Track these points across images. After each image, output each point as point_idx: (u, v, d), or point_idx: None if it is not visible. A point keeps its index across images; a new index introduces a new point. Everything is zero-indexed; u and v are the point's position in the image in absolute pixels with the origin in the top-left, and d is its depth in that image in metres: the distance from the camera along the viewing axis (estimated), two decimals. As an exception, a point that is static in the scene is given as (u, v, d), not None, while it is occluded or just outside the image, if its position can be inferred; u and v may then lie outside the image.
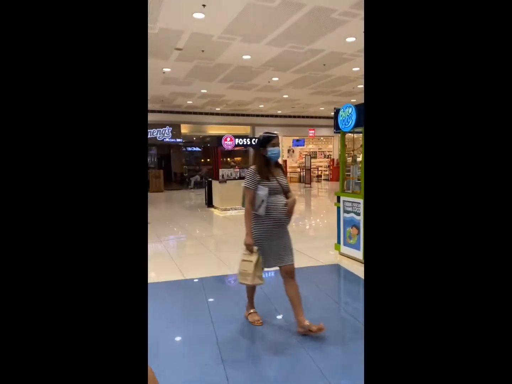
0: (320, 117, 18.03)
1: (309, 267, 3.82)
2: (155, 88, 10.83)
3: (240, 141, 8.39)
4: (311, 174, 16.34)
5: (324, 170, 19.64)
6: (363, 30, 5.80)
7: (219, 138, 8.21)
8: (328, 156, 20.09)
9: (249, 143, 8.51)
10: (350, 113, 3.77)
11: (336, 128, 4.06)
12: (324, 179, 19.16)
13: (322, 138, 19.67)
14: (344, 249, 4.12)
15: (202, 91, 11.33)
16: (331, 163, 18.86)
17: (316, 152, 19.37)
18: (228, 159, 19.72)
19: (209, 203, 9.02)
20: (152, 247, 5.05)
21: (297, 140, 18.22)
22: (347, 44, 7.01)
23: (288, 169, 17.53)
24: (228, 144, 8.19)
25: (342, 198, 4.11)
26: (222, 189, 8.24)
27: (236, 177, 8.35)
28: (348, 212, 4.02)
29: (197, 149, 20.12)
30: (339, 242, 4.22)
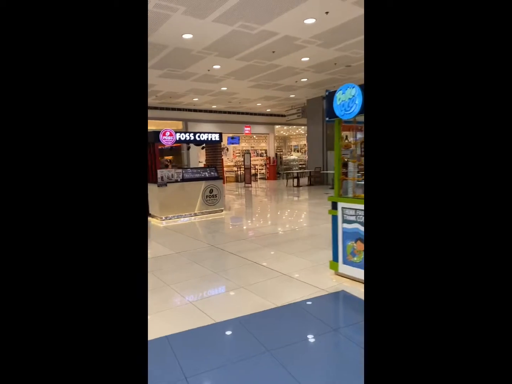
0: (256, 114, 17.37)
1: (309, 300, 2.88)
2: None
3: (182, 136, 7.10)
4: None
5: (260, 169, 19.10)
6: (326, 10, 5.06)
7: (156, 133, 6.81)
8: (261, 154, 19.61)
9: (192, 138, 7.27)
10: (353, 96, 2.92)
11: (330, 115, 3.18)
12: (260, 178, 18.58)
13: (254, 136, 19.06)
14: (344, 268, 3.28)
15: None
16: (268, 161, 18.36)
17: (249, 150, 18.64)
18: (159, 158, 17.76)
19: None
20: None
21: (232, 138, 17.27)
22: (305, 27, 6.26)
23: (224, 168, 16.52)
24: (167, 139, 6.85)
25: (340, 205, 3.26)
26: (161, 194, 6.87)
27: (179, 179, 7.05)
28: (349, 222, 3.19)
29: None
30: (336, 259, 3.37)
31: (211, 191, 7.49)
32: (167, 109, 14.55)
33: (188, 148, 8.96)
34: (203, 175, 7.50)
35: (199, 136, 7.32)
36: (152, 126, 14.80)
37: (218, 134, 7.64)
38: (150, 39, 6.53)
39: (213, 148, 8.05)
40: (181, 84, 10.53)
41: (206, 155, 8.78)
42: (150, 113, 14.19)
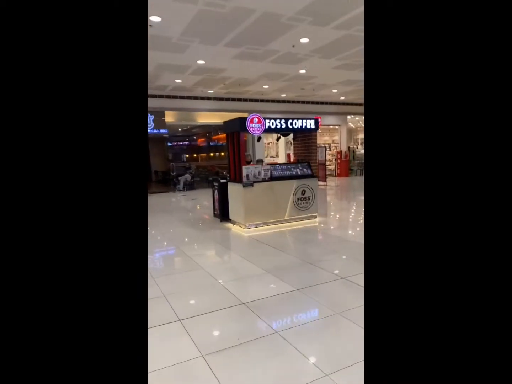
0: (327, 103, 15.56)
1: None
2: (134, 57, 7.87)
3: (272, 124, 5.66)
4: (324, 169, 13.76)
5: (328, 165, 17.29)
6: None
7: (241, 121, 5.44)
8: (325, 148, 17.75)
9: (283, 126, 5.79)
10: None
11: None
12: (328, 174, 16.77)
13: (319, 130, 17.26)
14: None
15: (199, 62, 8.48)
16: (339, 156, 16.46)
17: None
18: (222, 153, 16.44)
19: (223, 215, 6.26)
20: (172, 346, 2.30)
21: (299, 130, 15.66)
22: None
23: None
24: (255, 127, 5.45)
25: None
26: (247, 196, 5.51)
27: (267, 178, 5.64)
28: None
29: (184, 142, 17.10)
30: None
31: (303, 192, 5.99)
32: (233, 99, 13.35)
33: (259, 139, 7.45)
34: (294, 172, 6.02)
35: (291, 123, 5.83)
36: (215, 118, 13.75)
37: (313, 121, 6.10)
38: (235, 1, 5.17)
39: (305, 139, 6.51)
40: (255, 67, 9.16)
41: (295, 147, 7.29)
42: (214, 104, 13.13)
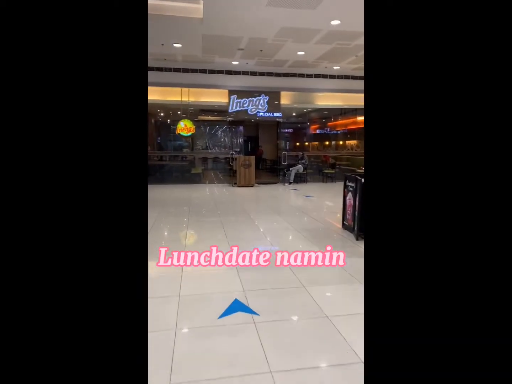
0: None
1: None
2: (253, 20, 6.37)
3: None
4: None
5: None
6: None
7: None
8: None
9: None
10: None
11: None
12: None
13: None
14: None
15: (333, 22, 6.56)
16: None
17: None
18: (339, 142, 14.05)
19: (362, 230, 4.34)
20: None
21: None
22: None
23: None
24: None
25: None
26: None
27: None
28: None
29: (295, 128, 15.48)
30: None
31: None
32: (361, 77, 11.02)
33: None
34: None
35: None
36: (337, 100, 11.68)
37: None
38: None
39: None
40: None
41: None
42: (340, 83, 11.01)
